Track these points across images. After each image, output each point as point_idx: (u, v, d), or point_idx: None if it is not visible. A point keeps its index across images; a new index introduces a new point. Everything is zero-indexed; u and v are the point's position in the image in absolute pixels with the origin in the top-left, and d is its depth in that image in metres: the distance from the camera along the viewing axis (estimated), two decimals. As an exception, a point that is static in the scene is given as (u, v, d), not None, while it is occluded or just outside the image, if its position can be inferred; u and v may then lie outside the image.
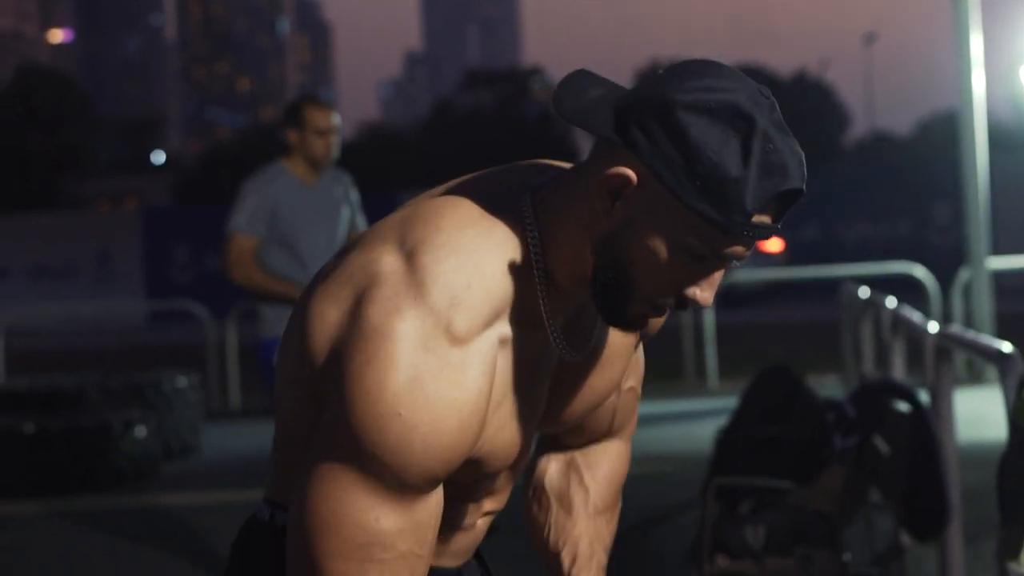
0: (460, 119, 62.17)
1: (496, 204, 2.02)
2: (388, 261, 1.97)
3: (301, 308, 2.04)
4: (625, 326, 2.03)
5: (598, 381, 2.21)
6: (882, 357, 8.72)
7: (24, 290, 30.37)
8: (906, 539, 5.95)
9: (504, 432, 2.06)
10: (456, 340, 1.94)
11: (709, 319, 14.97)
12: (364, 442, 1.92)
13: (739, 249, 1.95)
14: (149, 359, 19.01)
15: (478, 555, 2.36)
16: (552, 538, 2.37)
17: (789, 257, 25.19)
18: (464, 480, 2.09)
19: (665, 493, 8.77)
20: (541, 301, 2.02)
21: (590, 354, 2.17)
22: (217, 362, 15.60)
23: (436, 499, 1.99)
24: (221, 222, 7.44)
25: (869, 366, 9.81)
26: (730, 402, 6.47)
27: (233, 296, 16.92)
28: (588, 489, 2.40)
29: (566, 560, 2.36)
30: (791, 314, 22.43)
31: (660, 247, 1.94)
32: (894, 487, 5.38)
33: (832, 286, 13.85)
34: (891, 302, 8.13)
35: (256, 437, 12.83)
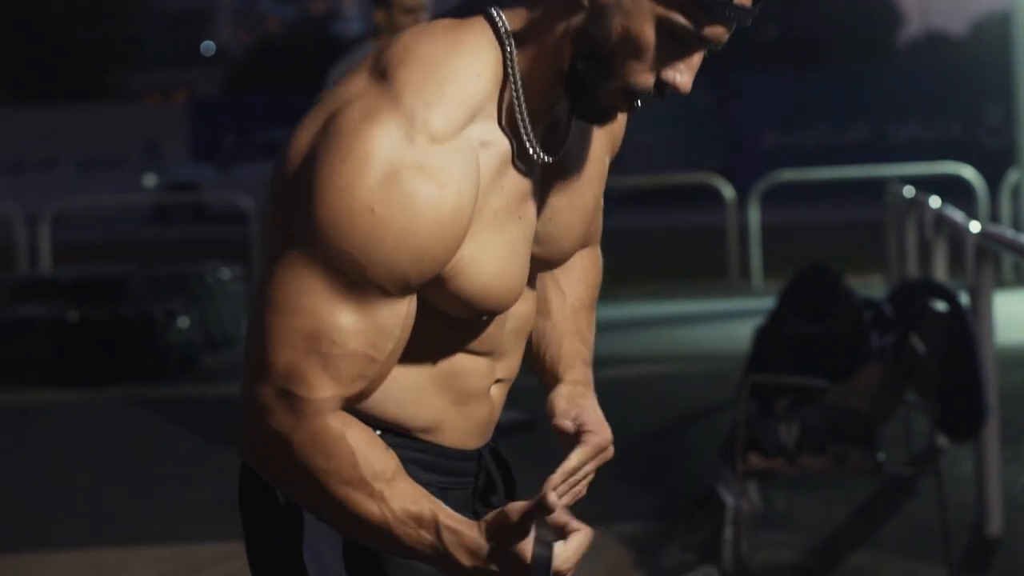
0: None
1: (464, 15, 2.03)
2: (360, 82, 1.97)
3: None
4: (600, 118, 2.03)
5: (581, 203, 2.18)
6: (925, 257, 8.66)
7: (72, 180, 30.49)
8: (942, 439, 5.94)
9: (494, 255, 2.01)
10: (435, 138, 1.92)
11: (755, 218, 14.90)
12: (332, 237, 1.88)
13: (719, 30, 1.96)
14: (195, 250, 19.07)
15: (499, 455, 2.32)
16: (535, 344, 2.34)
17: (837, 157, 25.05)
18: (464, 319, 2.05)
19: (704, 392, 8.78)
20: (516, 103, 2.01)
21: (570, 177, 2.15)
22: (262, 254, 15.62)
23: (404, 308, 1.95)
24: (270, 111, 7.28)
25: (912, 266, 9.75)
26: (774, 302, 6.46)
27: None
28: (564, 291, 2.36)
29: (551, 362, 2.32)
30: (838, 214, 22.30)
31: (644, 28, 1.94)
32: (930, 387, 5.35)
33: (880, 186, 13.74)
34: (935, 201, 8.06)
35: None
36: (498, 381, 2.18)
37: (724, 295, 13.81)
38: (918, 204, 9.03)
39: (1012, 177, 14.51)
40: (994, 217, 15.26)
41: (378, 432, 2.05)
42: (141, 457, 7.99)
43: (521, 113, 2.01)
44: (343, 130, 1.91)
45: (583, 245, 2.28)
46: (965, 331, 5.36)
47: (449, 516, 1.96)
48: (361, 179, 1.88)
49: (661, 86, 1.99)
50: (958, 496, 5.97)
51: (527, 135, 2.03)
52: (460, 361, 2.10)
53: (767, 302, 9.92)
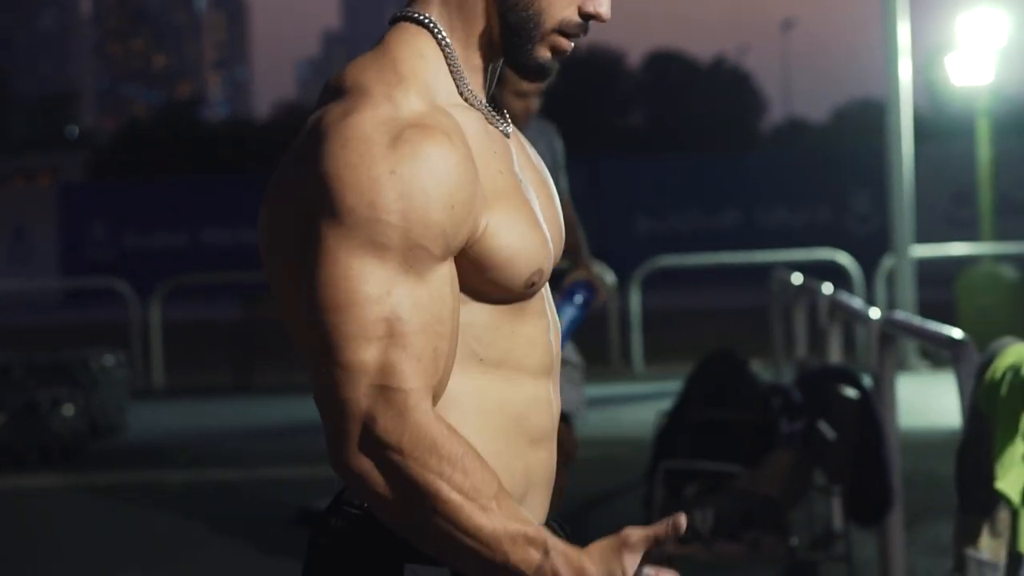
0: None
1: (394, 28, 2.14)
2: (321, 110, 2.04)
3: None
4: (539, 72, 2.13)
5: (550, 190, 2.26)
6: (815, 343, 8.77)
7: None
8: (846, 523, 5.99)
9: (515, 218, 2.06)
10: (412, 105, 2.00)
11: (635, 304, 15.02)
12: (366, 212, 1.92)
13: None
14: (68, 337, 18.83)
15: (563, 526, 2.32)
16: None
17: (710, 243, 25.32)
18: (516, 312, 2.08)
19: (599, 478, 8.79)
20: (457, 81, 2.11)
21: (530, 158, 2.24)
22: (141, 340, 15.48)
23: (448, 272, 1.98)
24: (139, 198, 7.11)
25: (803, 352, 9.87)
26: (656, 387, 6.51)
27: (157, 274, 16.88)
28: None
29: None
30: (714, 299, 22.53)
31: None
32: (839, 471, 5.42)
33: (753, 271, 13.94)
34: (827, 288, 8.18)
35: (181, 416, 12.78)
36: (554, 428, 2.19)
37: (606, 380, 13.88)
38: (808, 290, 9.16)
39: (887, 263, 14.76)
40: (871, 303, 15.51)
41: None
42: (25, 548, 7.83)
43: (463, 85, 2.12)
44: (331, 129, 1.98)
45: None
46: (873, 417, 5.44)
47: (555, 538, 1.96)
48: (369, 150, 1.94)
49: (585, 17, 2.13)
50: (862, 580, 6.02)
51: (483, 105, 2.14)
52: (528, 387, 2.11)
53: (649, 387, 10.05)
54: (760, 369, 12.23)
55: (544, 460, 2.17)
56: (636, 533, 1.97)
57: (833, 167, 28.84)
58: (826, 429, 5.45)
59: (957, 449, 4.02)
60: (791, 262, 13.99)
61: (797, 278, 10.13)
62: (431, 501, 1.92)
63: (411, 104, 2.01)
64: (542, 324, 2.15)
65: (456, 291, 2.01)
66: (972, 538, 3.87)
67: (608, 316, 15.19)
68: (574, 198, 6.27)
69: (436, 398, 1.99)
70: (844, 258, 15.60)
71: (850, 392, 5.50)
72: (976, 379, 3.99)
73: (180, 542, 7.74)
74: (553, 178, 6.09)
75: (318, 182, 1.95)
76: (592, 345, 16.05)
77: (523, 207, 2.10)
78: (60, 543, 7.94)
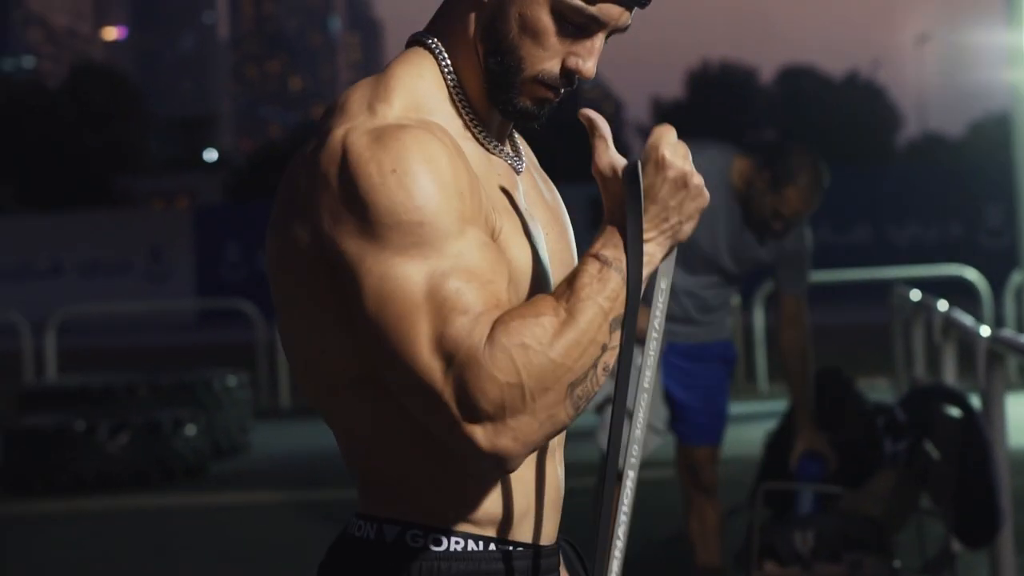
0: (511, 118, 62.28)
1: (403, 52, 2.14)
2: (314, 138, 2.05)
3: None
4: (522, 117, 2.10)
5: (562, 227, 2.24)
6: (933, 361, 8.66)
7: (77, 287, 30.52)
8: (957, 545, 5.91)
9: (521, 245, 2.06)
10: (394, 112, 2.01)
11: (759, 322, 14.92)
12: (384, 219, 1.91)
13: (614, 11, 2.05)
14: (199, 357, 19.07)
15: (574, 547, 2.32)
16: None
17: (839, 259, 25.08)
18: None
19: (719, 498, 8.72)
20: (461, 112, 2.10)
21: (543, 196, 2.22)
22: (267, 361, 15.65)
23: (482, 236, 1.97)
24: None
25: (920, 370, 9.75)
26: (780, 405, 6.46)
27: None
28: None
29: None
30: (841, 316, 22.31)
31: (539, 14, 2.04)
32: (944, 493, 5.34)
33: (883, 288, 13.77)
34: (943, 305, 8.07)
35: (305, 437, 12.87)
36: (559, 445, 2.18)
37: (731, 399, 13.77)
38: (925, 307, 9.05)
39: (1016, 279, 14.54)
40: (998, 319, 15.28)
41: (470, 544, 2.04)
42: (148, 567, 7.95)
43: (468, 117, 2.10)
44: (319, 152, 1.98)
45: None
46: (979, 436, 5.36)
47: (590, 249, 1.99)
48: (362, 159, 1.94)
49: (568, 74, 2.07)
50: (973, 602, 5.93)
51: (487, 139, 2.12)
52: None
53: (774, 405, 9.96)
54: (882, 388, 12.11)
55: (548, 477, 2.15)
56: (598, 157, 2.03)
57: (966, 182, 28.46)
58: (931, 449, 5.38)
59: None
60: (916, 278, 13.82)
61: (915, 294, 10.00)
62: (558, 370, 1.89)
63: (393, 112, 2.01)
64: None
65: (492, 252, 1.98)
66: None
67: (733, 334, 15.07)
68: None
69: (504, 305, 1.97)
70: (972, 274, 15.38)
71: (954, 412, 5.42)
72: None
73: (301, 562, 7.80)
74: (789, 270, 5.96)
75: (328, 207, 1.95)
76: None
77: (526, 236, 2.09)
78: (180, 562, 8.04)
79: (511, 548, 2.08)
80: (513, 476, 2.09)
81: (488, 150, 2.13)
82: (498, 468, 1.92)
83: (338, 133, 1.98)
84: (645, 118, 63.32)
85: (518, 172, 2.17)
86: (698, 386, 6.03)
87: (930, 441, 5.42)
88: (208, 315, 29.58)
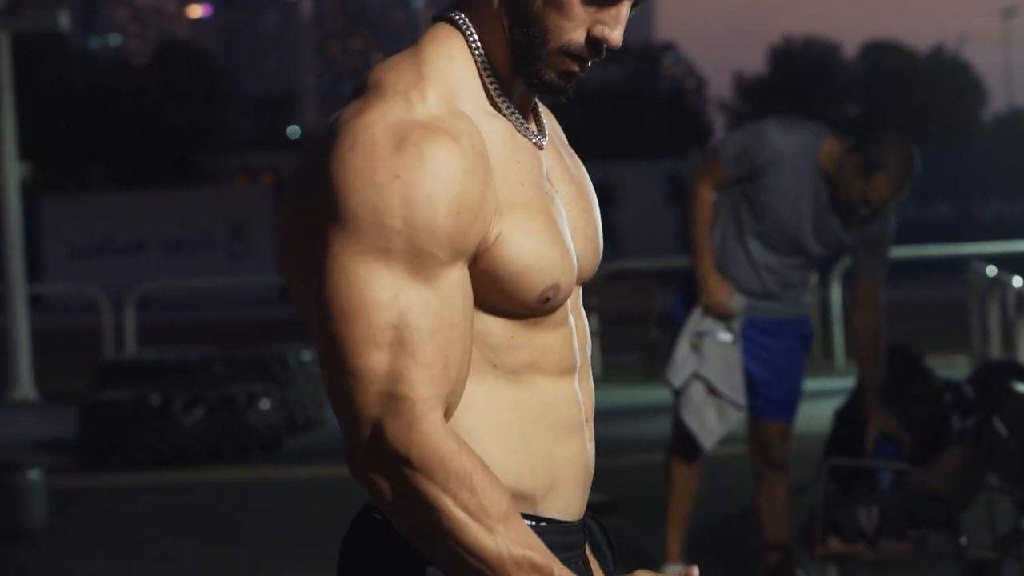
0: (591, 95, 62.19)
1: (431, 28, 2.12)
2: (344, 110, 2.04)
3: None
4: (549, 89, 2.08)
5: (587, 201, 2.21)
6: (1008, 338, 8.57)
7: (159, 264, 30.79)
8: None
9: (533, 229, 2.03)
10: (427, 107, 1.98)
11: (836, 297, 14.82)
12: (371, 217, 1.91)
13: None
14: (278, 333, 19.17)
15: (599, 522, 2.31)
16: None
17: (921, 235, 24.88)
18: (531, 325, 2.05)
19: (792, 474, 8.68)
20: (488, 87, 2.08)
21: (567, 168, 2.20)
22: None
23: (459, 277, 1.96)
24: None
25: (995, 346, 9.65)
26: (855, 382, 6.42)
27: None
28: None
29: None
30: (921, 293, 22.13)
31: None
32: (1012, 470, 5.28)
33: (963, 265, 13.64)
34: (1017, 281, 7.99)
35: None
36: (586, 422, 2.17)
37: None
38: (1000, 283, 8.95)
39: (1099, 255, 14.36)
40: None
41: None
42: (224, 540, 8.00)
43: (494, 92, 2.08)
44: (342, 129, 1.97)
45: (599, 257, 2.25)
46: (1048, 413, 5.29)
47: (563, 570, 1.95)
48: (375, 154, 1.93)
49: (594, 44, 2.05)
50: (1044, 581, 5.86)
51: (513, 115, 2.10)
52: (547, 387, 2.09)
53: (849, 382, 9.86)
54: (960, 365, 12.00)
55: (574, 453, 2.13)
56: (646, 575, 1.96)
57: (1052, 157, 28.15)
58: (1000, 426, 5.32)
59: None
60: (997, 255, 13.68)
61: (991, 270, 9.90)
62: (437, 516, 1.92)
63: (427, 106, 1.99)
64: (563, 332, 2.12)
65: (469, 296, 1.99)
66: None
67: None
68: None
69: (452, 405, 1.97)
70: (1054, 250, 15.22)
71: (1023, 388, 5.36)
72: None
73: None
74: (870, 252, 5.92)
75: (326, 185, 1.96)
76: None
77: (542, 218, 2.05)
78: (254, 536, 8.09)
79: (534, 523, 2.07)
80: (539, 452, 2.08)
81: (514, 127, 2.10)
82: (350, 468, 1.97)
83: (368, 118, 1.97)
84: (728, 94, 63.00)
85: (541, 147, 2.14)
86: (774, 361, 5.99)
87: (999, 418, 5.36)
88: (287, 291, 29.75)
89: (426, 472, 1.90)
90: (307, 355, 12.12)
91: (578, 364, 2.15)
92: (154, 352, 13.25)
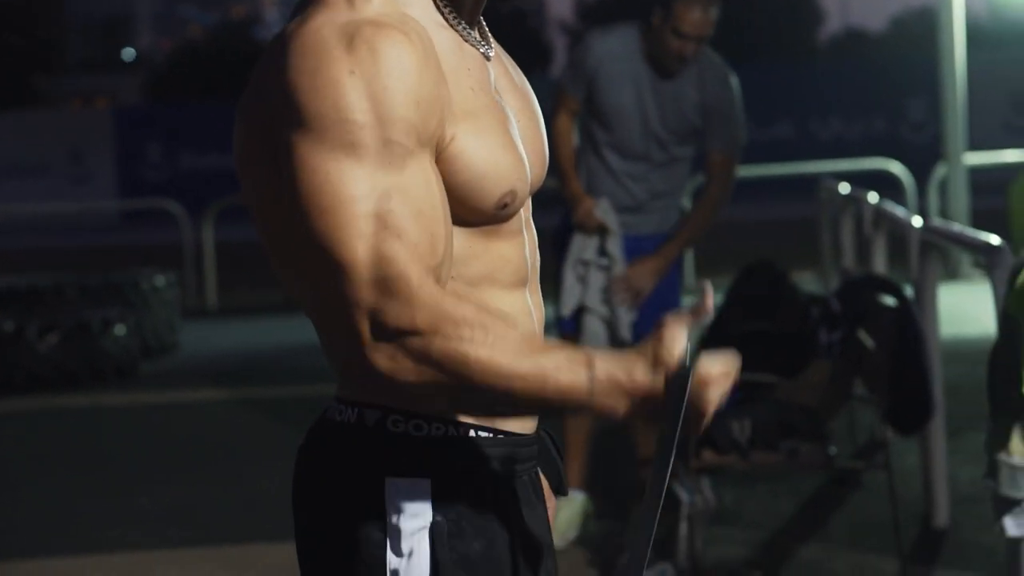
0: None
1: None
2: (287, 25, 2.03)
3: None
4: None
5: (534, 113, 2.23)
6: (862, 252, 8.74)
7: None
8: (888, 432, 5.99)
9: (486, 136, 2.04)
10: (373, 7, 1.98)
11: (686, 216, 14.96)
12: (333, 115, 1.90)
13: None
14: (123, 258, 18.96)
15: (549, 436, 2.33)
16: None
17: (763, 154, 25.18)
18: (488, 231, 2.06)
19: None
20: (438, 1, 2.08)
21: (513, 80, 2.21)
22: (193, 261, 15.57)
23: (428, 163, 1.96)
24: (195, 120, 7.02)
25: (849, 261, 9.83)
26: (719, 300, 6.50)
27: (210, 194, 16.77)
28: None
29: None
30: (765, 212, 22.45)
31: None
32: (879, 381, 5.41)
33: (806, 183, 13.86)
34: (873, 197, 8.13)
35: (234, 335, 12.86)
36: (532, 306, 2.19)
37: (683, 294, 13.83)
38: (855, 200, 9.11)
39: (939, 172, 14.65)
40: (922, 212, 15.41)
41: (449, 430, 2.05)
42: (82, 466, 7.93)
43: (441, 3, 2.08)
44: (290, 39, 1.97)
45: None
46: (912, 326, 5.42)
47: (595, 348, 1.96)
48: (327, 53, 1.92)
49: None
50: (904, 489, 6.03)
51: (460, 25, 2.10)
52: (503, 299, 2.10)
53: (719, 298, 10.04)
54: (809, 280, 12.21)
55: None
56: (672, 317, 1.95)
57: (888, 77, 28.59)
58: (865, 338, 5.44)
59: (989, 354, 4.01)
60: (843, 172, 13.90)
61: (844, 188, 10.07)
62: (463, 367, 1.90)
63: (372, 6, 1.98)
64: (517, 242, 2.13)
65: (441, 184, 1.99)
66: (1003, 442, 3.86)
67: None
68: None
69: (442, 282, 1.98)
70: (897, 167, 15.49)
71: (889, 301, 5.48)
72: (1008, 284, 3.98)
73: (230, 458, 7.81)
74: (717, 125, 5.99)
75: (282, 94, 1.94)
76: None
77: (497, 126, 2.07)
78: (110, 459, 8.03)
79: (491, 435, 2.09)
80: None
81: (461, 37, 2.11)
82: (362, 375, 1.94)
83: (314, 23, 1.96)
84: (568, 16, 63.01)
85: (488, 59, 2.16)
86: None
87: (864, 330, 5.47)
88: (131, 216, 29.36)
89: (437, 333, 1.89)
90: (161, 280, 12.01)
91: (530, 273, 2.17)
92: (3, 279, 13.03)
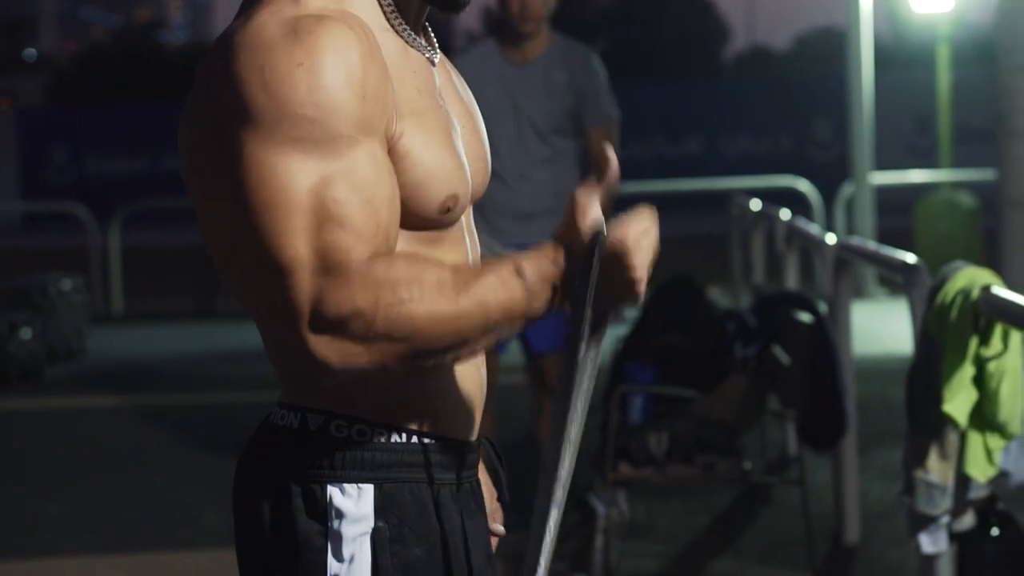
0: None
1: None
2: (231, 25, 2.03)
3: None
4: (450, 5, 2.11)
5: (476, 121, 2.24)
6: (773, 268, 8.80)
7: None
8: (801, 448, 6.04)
9: (431, 138, 2.05)
10: (317, 3, 1.99)
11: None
12: (281, 108, 1.90)
13: None
14: (28, 261, 18.75)
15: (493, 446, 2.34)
16: None
17: (672, 170, 25.32)
18: (415, 217, 2.05)
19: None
20: (382, 3, 2.09)
21: (456, 88, 2.22)
22: (100, 265, 15.43)
23: (378, 151, 1.96)
24: (100, 123, 6.93)
25: (760, 278, 9.90)
26: (637, 313, 6.53)
27: (116, 198, 16.66)
28: None
29: None
30: (675, 226, 22.54)
31: None
32: (793, 397, 5.45)
33: (714, 199, 13.96)
34: (785, 214, 8.20)
35: (140, 341, 12.76)
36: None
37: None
38: (767, 217, 9.18)
39: (846, 190, 14.80)
40: (829, 229, 15.55)
41: (393, 436, 2.05)
42: (-11, 471, 7.83)
43: (387, 7, 2.09)
44: (235, 36, 1.97)
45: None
46: (827, 342, 5.48)
47: (516, 254, 1.98)
48: (273, 48, 1.93)
49: None
50: (815, 505, 6.07)
51: (405, 31, 2.11)
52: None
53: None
54: (719, 296, 12.28)
55: (471, 372, 2.16)
56: (581, 190, 2.01)
57: (795, 95, 28.83)
58: (780, 354, 5.48)
59: (908, 372, 4.06)
60: (752, 189, 14.01)
61: (756, 204, 10.15)
62: (411, 328, 1.91)
63: (315, 2, 1.99)
64: (460, 249, 2.14)
65: (391, 170, 1.99)
66: (921, 460, 3.91)
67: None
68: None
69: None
70: (804, 185, 15.63)
71: (804, 317, 5.53)
72: (927, 303, 4.03)
73: (137, 464, 7.75)
74: (590, 103, 6.02)
75: (228, 91, 1.94)
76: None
77: (440, 130, 2.07)
78: (16, 465, 7.94)
79: (433, 441, 2.10)
80: (438, 371, 2.09)
81: (406, 42, 2.11)
82: (313, 371, 1.94)
83: (257, 20, 1.97)
84: (475, 26, 63.12)
85: (433, 64, 2.16)
86: None
87: (779, 346, 5.52)
88: (35, 219, 29.03)
89: (377, 305, 1.90)
90: (67, 284, 11.88)
91: None
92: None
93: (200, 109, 2.00)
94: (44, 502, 6.99)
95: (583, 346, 1.98)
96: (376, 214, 1.94)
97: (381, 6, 2.09)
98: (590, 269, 1.97)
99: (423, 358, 1.96)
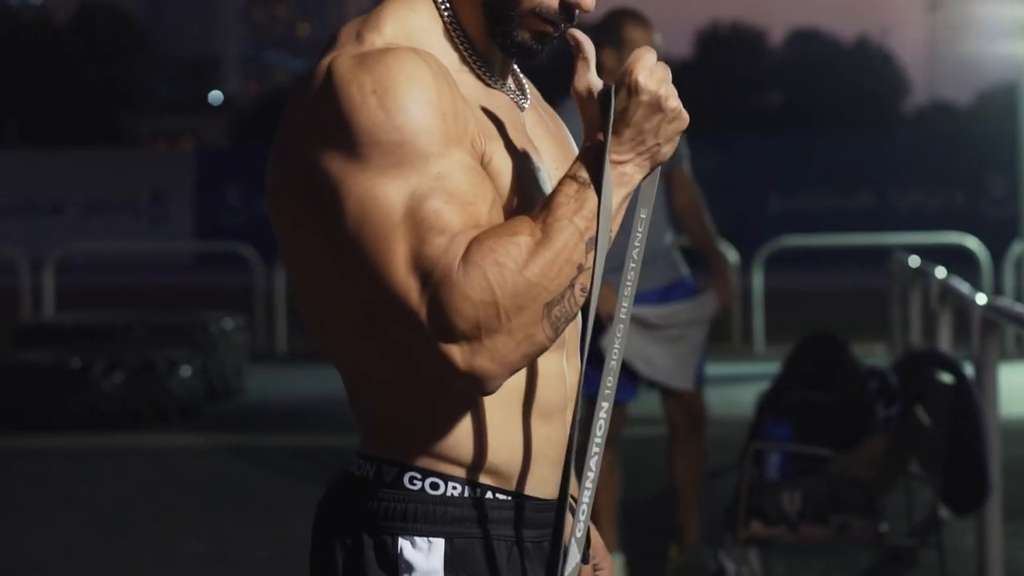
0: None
1: None
2: (307, 72, 2.06)
3: None
4: (523, 52, 2.09)
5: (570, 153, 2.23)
6: (929, 328, 8.66)
7: (77, 226, 30.49)
8: (944, 512, 5.92)
9: (515, 167, 2.05)
10: (384, 38, 2.02)
11: (757, 283, 14.92)
12: (365, 139, 1.92)
13: None
14: (197, 299, 19.06)
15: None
16: None
17: (842, 224, 25.07)
18: None
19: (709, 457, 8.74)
20: (458, 45, 2.09)
21: (549, 134, 2.22)
22: (265, 305, 15.65)
23: (467, 158, 1.97)
24: None
25: (916, 336, 9.75)
26: (775, 367, 6.47)
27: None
28: None
29: None
30: (841, 281, 22.31)
31: None
32: (934, 459, 5.35)
33: (884, 254, 13.77)
34: (940, 272, 8.07)
35: (301, 381, 12.90)
36: (570, 400, 2.16)
37: (726, 359, 13.78)
38: (923, 274, 9.04)
39: (1016, 248, 14.53)
40: (998, 288, 15.28)
41: (466, 491, 2.05)
42: (141, 506, 7.97)
43: (464, 50, 2.09)
44: (310, 82, 2.01)
45: None
46: (970, 403, 5.36)
47: (570, 170, 1.99)
48: (344, 82, 1.95)
49: (566, 7, 2.06)
50: (959, 570, 5.95)
51: (486, 72, 2.11)
52: (534, 363, 2.07)
53: (769, 367, 9.99)
54: (879, 353, 12.12)
55: (553, 435, 2.13)
56: (573, 87, 2.01)
57: (971, 151, 28.38)
58: (922, 415, 5.39)
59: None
60: (918, 245, 13.82)
61: (914, 261, 10.00)
62: (531, 288, 1.90)
63: (383, 38, 2.02)
64: None
65: (484, 175, 1.99)
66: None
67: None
68: (709, 176, 6.24)
69: None
70: (973, 243, 15.37)
71: (946, 378, 5.43)
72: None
73: (279, 503, 7.82)
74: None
75: (312, 132, 1.97)
76: (714, 323, 15.94)
77: (527, 163, 2.08)
78: (171, 502, 8.06)
79: (508, 498, 2.08)
80: (520, 428, 2.08)
81: (488, 84, 2.12)
82: (476, 389, 1.93)
83: (324, 61, 2.01)
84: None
85: (522, 108, 2.17)
86: None
87: (922, 407, 5.43)
88: (207, 258, 29.54)
89: (490, 285, 1.89)
90: (229, 323, 12.07)
91: (566, 340, 2.15)
92: (74, 315, 13.15)
93: (284, 157, 2.04)
94: (183, 538, 7.08)
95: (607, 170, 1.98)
96: (473, 212, 1.94)
97: (459, 51, 2.10)
98: (608, 117, 1.98)
99: (560, 306, 1.93)
